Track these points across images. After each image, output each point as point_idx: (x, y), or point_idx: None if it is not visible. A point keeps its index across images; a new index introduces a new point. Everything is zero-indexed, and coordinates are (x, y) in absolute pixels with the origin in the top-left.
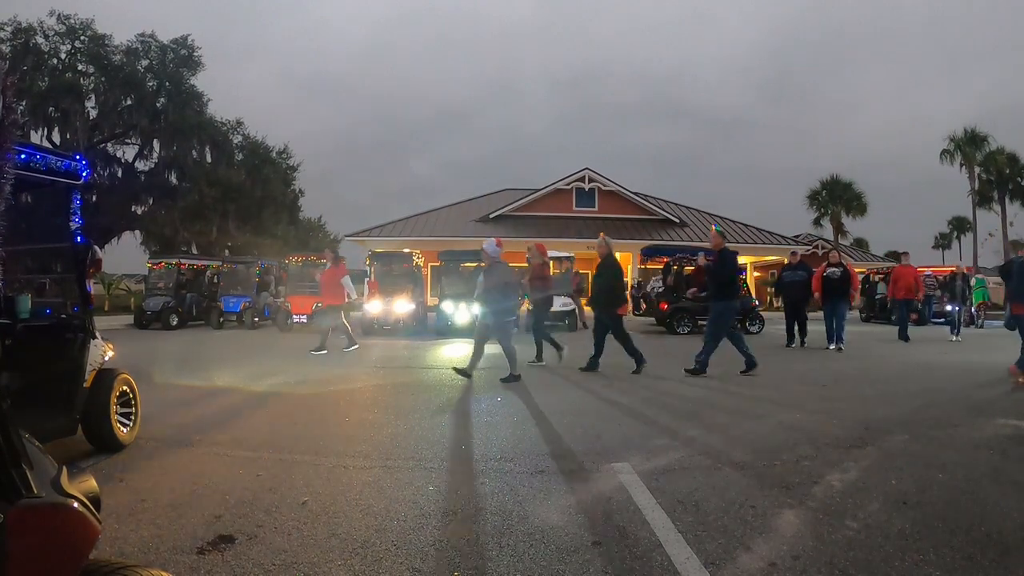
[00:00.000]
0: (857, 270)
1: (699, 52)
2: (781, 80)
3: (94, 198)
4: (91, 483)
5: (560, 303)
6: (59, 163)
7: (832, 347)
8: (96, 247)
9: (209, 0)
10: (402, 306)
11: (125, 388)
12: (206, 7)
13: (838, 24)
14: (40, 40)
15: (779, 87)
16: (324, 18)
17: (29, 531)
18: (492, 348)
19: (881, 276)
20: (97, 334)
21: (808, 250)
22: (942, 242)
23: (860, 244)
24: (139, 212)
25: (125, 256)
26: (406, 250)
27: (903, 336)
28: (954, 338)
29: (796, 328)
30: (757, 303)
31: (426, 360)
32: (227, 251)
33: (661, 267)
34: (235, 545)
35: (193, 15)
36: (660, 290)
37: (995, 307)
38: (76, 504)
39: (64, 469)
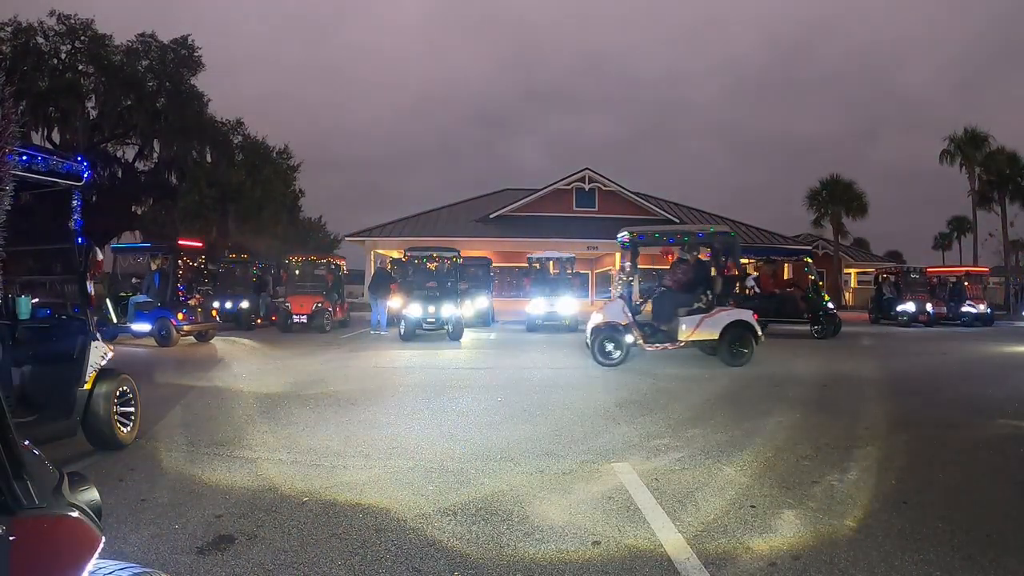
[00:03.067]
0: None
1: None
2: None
3: (94, 198)
4: (92, 492)
5: (561, 303)
6: (60, 164)
7: None
8: (96, 248)
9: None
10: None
11: (125, 388)
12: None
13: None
14: (40, 40)
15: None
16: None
17: (31, 542)
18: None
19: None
20: (97, 335)
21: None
22: (942, 242)
23: (860, 244)
24: (139, 212)
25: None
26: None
27: None
28: None
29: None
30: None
31: (425, 361)
32: (227, 251)
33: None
34: (235, 545)
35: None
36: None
37: (996, 307)
38: (77, 513)
39: (65, 478)
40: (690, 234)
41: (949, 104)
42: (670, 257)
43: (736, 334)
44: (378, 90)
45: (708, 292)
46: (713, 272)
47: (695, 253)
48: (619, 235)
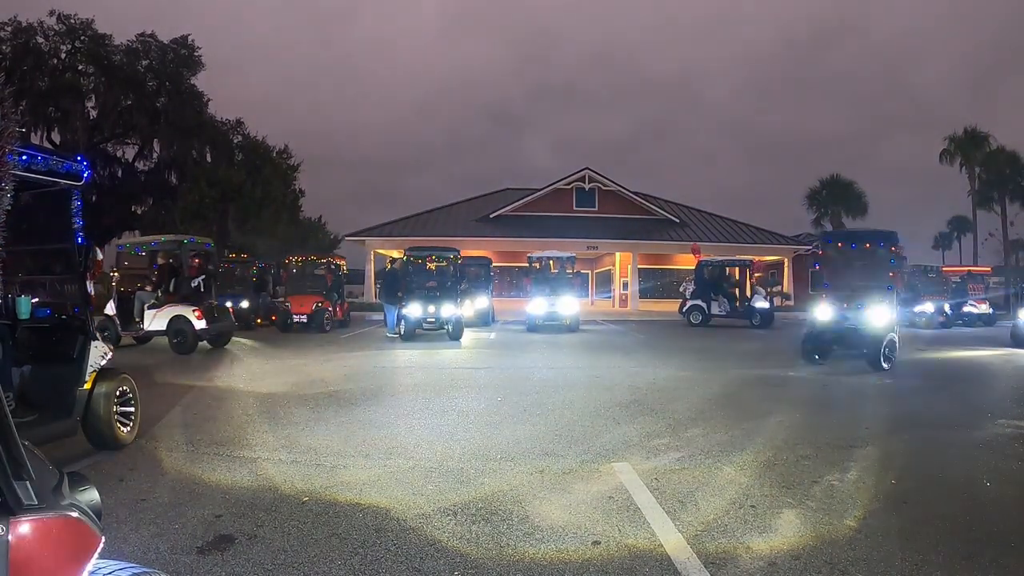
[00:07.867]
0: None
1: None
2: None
3: (94, 198)
4: (92, 492)
5: (561, 303)
6: (60, 164)
7: None
8: (96, 248)
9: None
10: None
11: (125, 388)
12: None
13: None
14: (40, 40)
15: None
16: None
17: (31, 542)
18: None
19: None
20: (97, 335)
21: (808, 249)
22: (942, 242)
23: None
24: (139, 212)
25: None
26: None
27: None
28: None
29: None
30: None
31: (425, 361)
32: (226, 251)
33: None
34: (235, 545)
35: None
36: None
37: (995, 307)
38: (77, 514)
39: (65, 478)
40: (157, 241)
41: (956, 104)
42: None
43: (177, 327)
44: (384, 86)
45: (163, 290)
46: (191, 273)
47: (170, 256)
48: None
